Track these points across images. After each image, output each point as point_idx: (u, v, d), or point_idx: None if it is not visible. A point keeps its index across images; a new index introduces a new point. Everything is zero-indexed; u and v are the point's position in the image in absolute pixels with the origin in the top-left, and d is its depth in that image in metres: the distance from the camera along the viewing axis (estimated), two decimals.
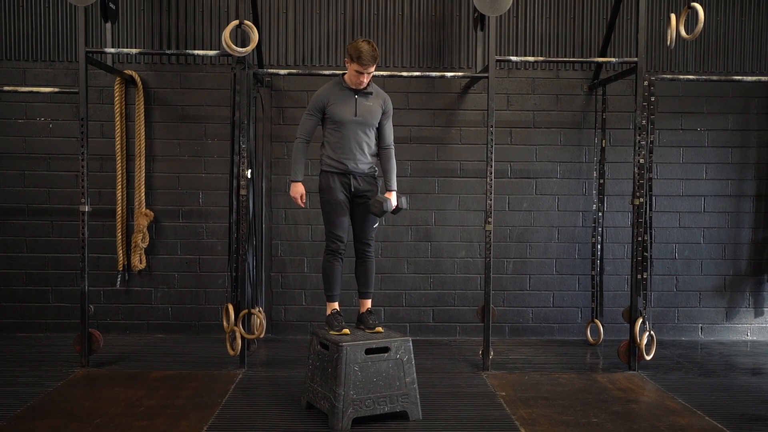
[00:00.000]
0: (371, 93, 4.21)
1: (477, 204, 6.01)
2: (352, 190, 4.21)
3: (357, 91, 4.17)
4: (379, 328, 4.13)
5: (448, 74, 5.32)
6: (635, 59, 5.02)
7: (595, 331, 5.84)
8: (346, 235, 4.22)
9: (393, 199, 4.23)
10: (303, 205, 4.37)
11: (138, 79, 5.84)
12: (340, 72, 5.16)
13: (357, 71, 4.07)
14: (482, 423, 3.94)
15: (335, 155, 4.18)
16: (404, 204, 4.28)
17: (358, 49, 4.02)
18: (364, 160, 4.21)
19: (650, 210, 5.14)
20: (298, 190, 4.29)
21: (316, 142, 4.41)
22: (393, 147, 4.34)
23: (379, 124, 4.26)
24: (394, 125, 5.88)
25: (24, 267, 5.94)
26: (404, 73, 5.29)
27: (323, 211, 4.28)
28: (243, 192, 4.96)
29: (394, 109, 5.89)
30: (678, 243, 6.14)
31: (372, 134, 4.24)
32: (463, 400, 4.34)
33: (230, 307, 4.93)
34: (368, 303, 4.34)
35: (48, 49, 5.90)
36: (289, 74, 5.49)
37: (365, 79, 4.12)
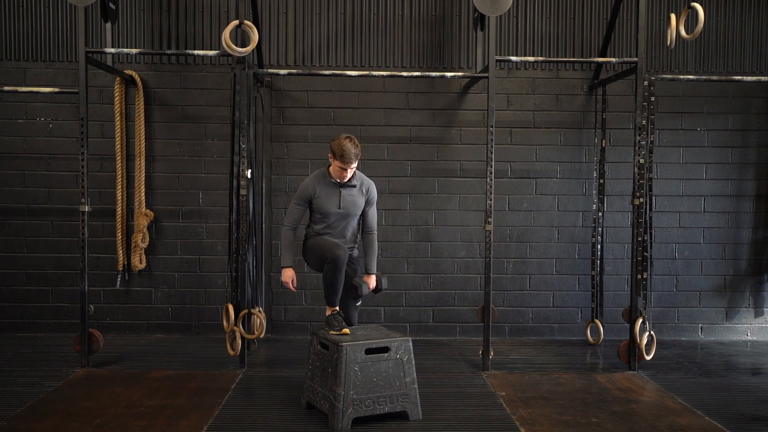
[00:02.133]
0: (355, 185, 4.33)
1: (477, 204, 6.01)
2: None
3: (341, 184, 4.29)
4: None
5: (448, 74, 5.31)
6: (635, 59, 5.01)
7: (595, 331, 5.84)
8: (343, 246, 4.19)
9: (372, 281, 4.41)
10: (294, 289, 4.47)
11: (138, 79, 5.84)
12: (339, 72, 5.22)
13: (340, 167, 4.19)
14: (482, 423, 3.94)
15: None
16: (384, 284, 4.46)
17: (341, 148, 4.13)
18: (347, 245, 4.37)
19: (650, 210, 5.13)
20: (288, 274, 4.40)
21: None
22: (376, 232, 4.50)
23: (362, 211, 4.41)
24: (394, 126, 5.99)
25: (24, 267, 5.95)
26: (404, 73, 5.28)
27: (311, 254, 4.32)
28: (243, 192, 4.96)
29: (394, 109, 5.99)
30: (678, 243, 6.14)
31: (355, 221, 4.42)
32: (463, 400, 4.35)
33: (230, 307, 4.93)
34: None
35: (48, 49, 5.90)
36: (289, 74, 5.48)
37: (347, 174, 4.24)
